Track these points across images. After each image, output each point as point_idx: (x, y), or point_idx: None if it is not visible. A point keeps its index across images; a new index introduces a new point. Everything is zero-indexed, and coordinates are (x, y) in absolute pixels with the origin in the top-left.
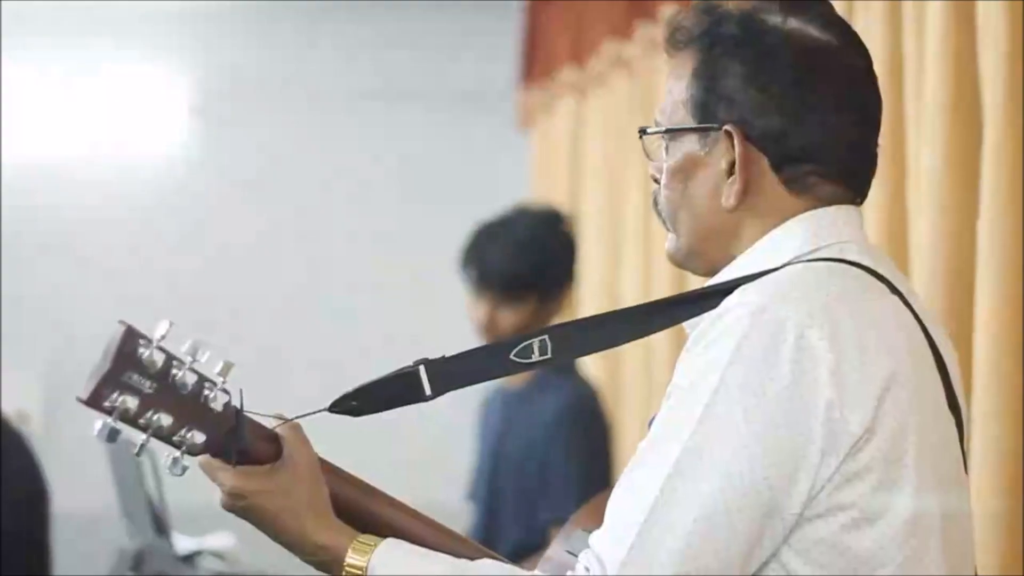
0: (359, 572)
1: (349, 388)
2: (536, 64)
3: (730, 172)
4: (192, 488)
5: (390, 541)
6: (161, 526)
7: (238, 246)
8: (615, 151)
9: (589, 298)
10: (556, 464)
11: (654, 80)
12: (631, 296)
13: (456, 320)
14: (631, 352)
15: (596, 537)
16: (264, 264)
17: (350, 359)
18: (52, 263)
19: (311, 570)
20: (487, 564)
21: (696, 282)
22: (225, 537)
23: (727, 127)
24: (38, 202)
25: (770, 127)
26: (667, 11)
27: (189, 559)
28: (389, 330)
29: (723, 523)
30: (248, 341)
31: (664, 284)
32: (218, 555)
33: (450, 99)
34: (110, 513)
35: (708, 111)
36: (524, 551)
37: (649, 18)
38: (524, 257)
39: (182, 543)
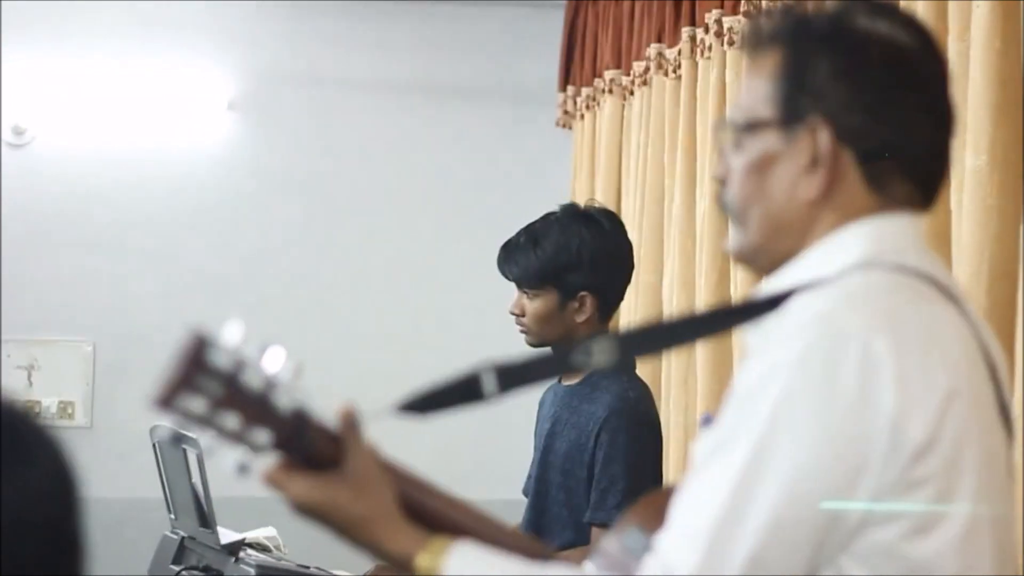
0: (432, 574)
1: (417, 389)
2: (580, 65)
3: (812, 165)
4: (238, 482)
5: (461, 542)
6: (206, 518)
7: (275, 240)
8: (657, 151)
9: (631, 296)
10: (602, 465)
11: (697, 81)
12: (673, 295)
13: (495, 315)
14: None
15: (663, 541)
16: (301, 259)
17: (387, 355)
18: (94, 257)
19: (353, 567)
20: (557, 567)
21: (746, 276)
22: (268, 530)
23: (815, 120)
24: (77, 197)
25: (857, 123)
26: (713, 16)
27: (233, 551)
28: (428, 324)
29: (789, 529)
30: (284, 335)
31: (707, 282)
32: (261, 547)
33: (492, 97)
34: (152, 502)
35: (794, 105)
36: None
37: (695, 24)
38: (538, 252)
39: (226, 536)
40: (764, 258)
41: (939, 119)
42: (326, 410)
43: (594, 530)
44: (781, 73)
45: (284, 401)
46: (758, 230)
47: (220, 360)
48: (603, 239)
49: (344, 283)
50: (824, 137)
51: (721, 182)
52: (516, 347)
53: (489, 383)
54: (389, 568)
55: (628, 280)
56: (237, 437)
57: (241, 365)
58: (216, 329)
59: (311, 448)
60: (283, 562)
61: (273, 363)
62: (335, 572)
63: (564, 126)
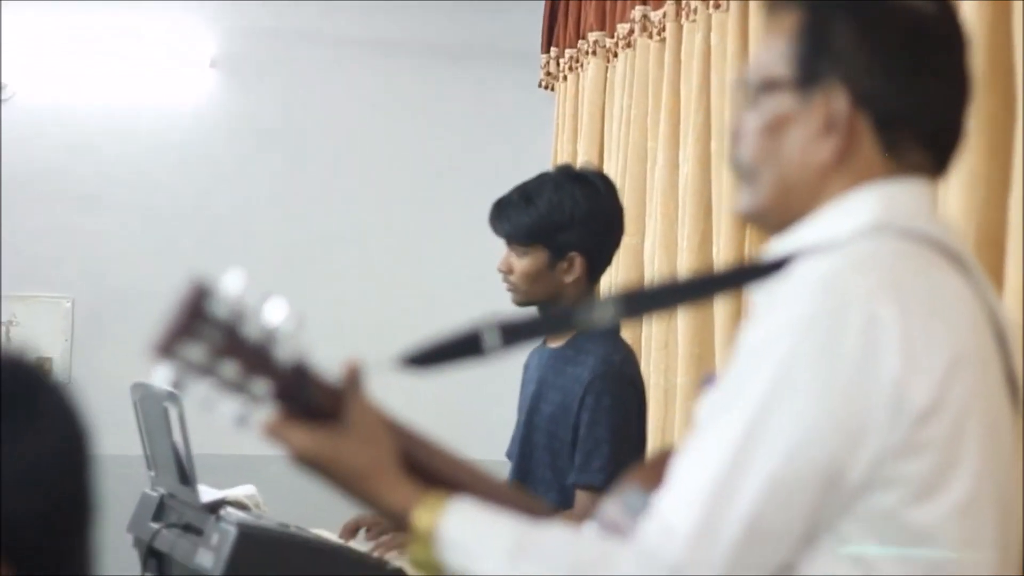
0: (428, 531)
1: (418, 343)
2: (563, 27)
3: (827, 129)
4: (218, 440)
5: (459, 500)
6: (186, 476)
7: (257, 198)
8: (640, 114)
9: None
10: (586, 428)
11: (682, 44)
12: (655, 256)
13: (476, 273)
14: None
15: (663, 502)
16: (283, 216)
17: (370, 312)
18: (74, 213)
19: (333, 526)
20: (556, 526)
21: (728, 239)
22: (248, 488)
23: (832, 83)
24: (59, 153)
25: (876, 87)
26: None
27: (212, 508)
28: (410, 281)
29: (788, 492)
30: (266, 291)
31: (689, 244)
32: (241, 505)
33: (476, 57)
34: (131, 459)
35: (813, 67)
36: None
37: None
38: (530, 209)
39: (206, 494)
40: (773, 218)
41: (957, 88)
42: (318, 364)
43: (578, 492)
44: (800, 33)
45: (284, 352)
46: (769, 191)
47: (220, 310)
48: (596, 201)
49: (325, 241)
50: (841, 101)
51: (735, 138)
52: (499, 306)
53: (491, 339)
54: (372, 517)
55: (618, 244)
56: (236, 386)
57: (241, 315)
58: (216, 279)
59: (311, 400)
60: (263, 520)
61: (274, 315)
62: (315, 531)
63: (547, 87)
